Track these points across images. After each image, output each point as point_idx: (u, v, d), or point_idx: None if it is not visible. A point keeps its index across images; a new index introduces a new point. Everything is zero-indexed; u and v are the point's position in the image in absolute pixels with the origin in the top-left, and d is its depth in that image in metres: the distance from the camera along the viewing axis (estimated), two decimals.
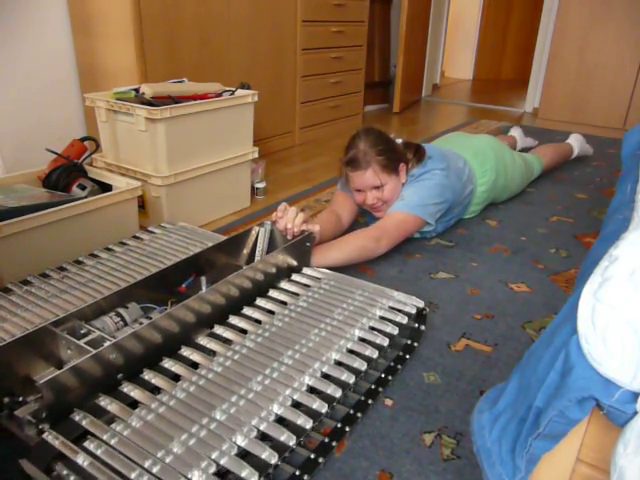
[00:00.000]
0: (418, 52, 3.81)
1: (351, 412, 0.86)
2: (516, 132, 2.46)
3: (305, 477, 0.74)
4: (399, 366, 0.99)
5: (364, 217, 1.66)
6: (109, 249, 1.30)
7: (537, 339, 0.65)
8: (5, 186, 1.41)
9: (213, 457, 0.70)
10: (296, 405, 0.81)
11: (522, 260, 1.48)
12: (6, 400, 0.78)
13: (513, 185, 1.86)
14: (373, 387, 0.92)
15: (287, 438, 0.74)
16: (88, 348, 0.82)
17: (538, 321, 1.20)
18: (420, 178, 1.47)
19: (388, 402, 0.94)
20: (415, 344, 1.05)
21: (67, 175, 1.45)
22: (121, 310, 0.96)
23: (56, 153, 1.51)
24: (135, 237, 1.38)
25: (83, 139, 1.58)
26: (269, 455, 0.70)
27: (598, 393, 0.48)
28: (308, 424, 0.77)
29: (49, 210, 1.22)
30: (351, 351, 0.94)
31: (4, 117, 1.79)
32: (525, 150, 2.33)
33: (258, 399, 0.81)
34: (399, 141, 1.53)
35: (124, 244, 1.33)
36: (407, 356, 1.02)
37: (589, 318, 0.50)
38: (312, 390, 0.85)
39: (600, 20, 3.07)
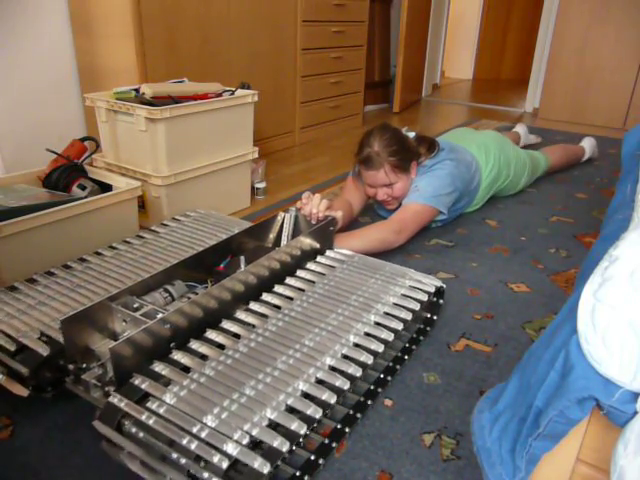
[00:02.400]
0: (418, 52, 3.81)
1: (381, 379, 0.95)
2: (520, 129, 2.47)
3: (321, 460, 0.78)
4: (421, 337, 1.10)
5: (369, 215, 1.66)
6: (140, 236, 1.35)
7: (537, 339, 0.65)
8: (5, 186, 1.41)
9: (266, 413, 0.76)
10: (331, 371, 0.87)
11: (522, 260, 1.48)
12: (71, 367, 0.86)
13: (518, 178, 1.89)
14: (399, 355, 1.02)
15: (328, 396, 0.81)
16: (144, 319, 0.89)
17: (538, 321, 1.20)
18: (432, 168, 1.53)
19: (388, 402, 0.94)
20: (434, 317, 1.15)
21: (67, 175, 1.45)
22: (168, 287, 1.04)
23: (56, 153, 1.51)
24: (163, 224, 1.43)
25: (83, 139, 1.58)
26: (298, 426, 0.75)
27: (598, 393, 0.48)
28: (346, 385, 0.84)
29: (49, 210, 1.22)
30: (377, 323, 1.00)
31: (4, 117, 1.79)
32: (530, 147, 2.34)
33: (284, 376, 0.85)
34: (412, 135, 1.58)
35: (153, 231, 1.38)
36: (427, 328, 1.13)
37: (589, 318, 0.50)
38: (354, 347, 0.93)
39: (600, 20, 3.07)
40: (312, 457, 0.77)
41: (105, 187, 1.49)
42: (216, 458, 0.68)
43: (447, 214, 1.56)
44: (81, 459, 0.81)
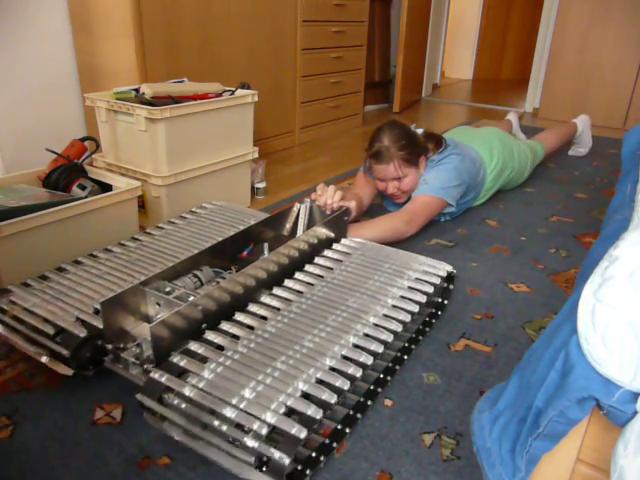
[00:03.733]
0: (418, 52, 3.81)
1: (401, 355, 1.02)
2: (512, 117, 2.50)
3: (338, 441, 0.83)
4: (434, 320, 1.15)
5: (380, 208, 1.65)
6: (160, 227, 1.38)
7: (537, 339, 0.65)
8: (5, 186, 1.41)
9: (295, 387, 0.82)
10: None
11: (522, 260, 1.48)
12: (109, 347, 0.92)
13: (523, 169, 1.96)
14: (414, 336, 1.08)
15: (354, 370, 0.86)
16: (178, 302, 0.94)
17: (538, 321, 1.20)
18: (439, 163, 1.59)
19: (388, 402, 0.94)
20: (445, 302, 1.21)
21: (67, 175, 1.45)
22: (197, 272, 1.10)
23: (56, 153, 1.51)
24: (181, 217, 1.46)
25: (83, 139, 1.58)
26: (329, 396, 0.80)
27: (598, 393, 0.48)
28: (369, 360, 0.89)
29: (49, 210, 1.22)
30: (394, 306, 1.06)
31: (4, 117, 1.79)
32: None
33: (312, 353, 0.90)
34: (420, 131, 1.66)
35: (172, 222, 1.42)
36: (439, 312, 1.18)
37: (589, 318, 0.50)
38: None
39: (600, 20, 3.07)
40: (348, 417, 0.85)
41: (105, 187, 1.49)
42: (256, 425, 0.73)
43: (455, 206, 1.61)
44: (81, 459, 0.81)
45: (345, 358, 0.89)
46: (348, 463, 0.81)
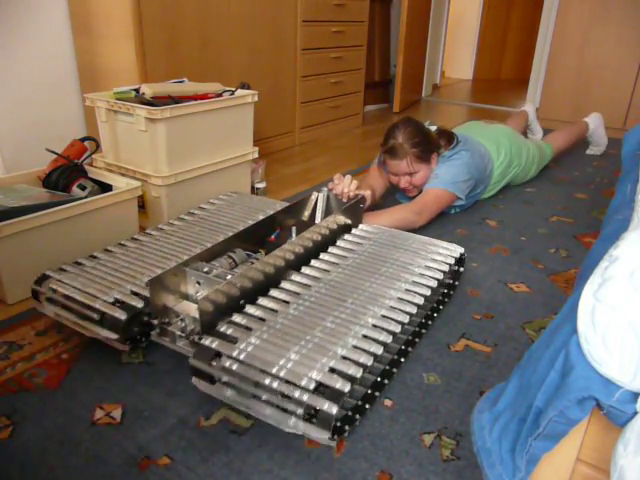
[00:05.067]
0: (418, 52, 3.81)
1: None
2: (528, 107, 2.53)
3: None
4: (446, 299, 1.23)
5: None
6: (181, 218, 1.42)
7: (537, 339, 0.65)
8: (5, 186, 1.41)
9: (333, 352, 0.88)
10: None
11: (522, 260, 1.48)
12: (155, 322, 1.00)
13: (529, 167, 2.02)
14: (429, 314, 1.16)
15: (385, 337, 0.93)
16: (218, 280, 1.02)
17: (538, 321, 1.20)
18: (450, 158, 1.67)
19: (387, 403, 0.94)
20: (456, 283, 1.29)
21: (67, 175, 1.45)
22: (231, 253, 1.18)
23: (56, 153, 1.51)
24: (200, 207, 1.51)
25: (83, 139, 1.58)
26: (367, 358, 0.86)
27: (598, 393, 0.48)
28: (397, 329, 0.97)
29: (49, 210, 1.22)
30: (414, 281, 1.14)
31: (4, 117, 1.79)
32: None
33: (345, 322, 0.97)
34: (433, 128, 1.73)
35: (192, 214, 1.46)
36: (451, 292, 1.26)
37: (589, 318, 0.50)
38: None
39: (600, 20, 3.07)
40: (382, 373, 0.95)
41: (105, 187, 1.49)
42: (304, 381, 0.80)
43: (465, 200, 1.69)
44: (81, 459, 0.81)
45: (374, 327, 0.96)
46: (348, 463, 0.81)
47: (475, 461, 0.80)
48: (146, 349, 1.06)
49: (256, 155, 1.80)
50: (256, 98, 1.73)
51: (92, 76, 1.89)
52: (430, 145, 1.64)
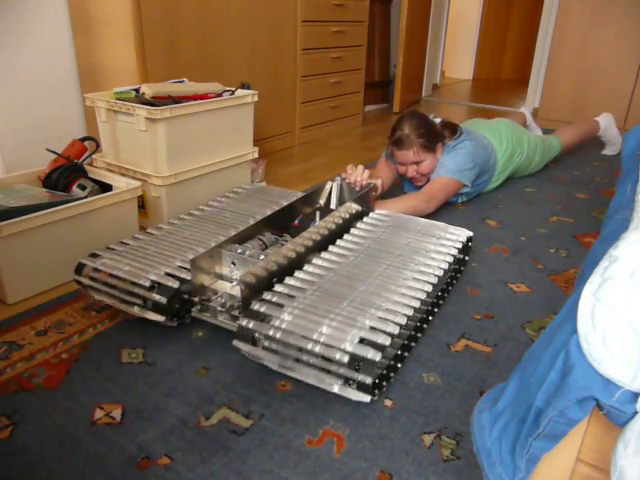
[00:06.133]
0: (418, 52, 3.81)
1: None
2: (525, 110, 2.60)
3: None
4: (458, 275, 1.35)
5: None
6: (202, 209, 1.48)
7: (537, 339, 0.65)
8: (5, 186, 1.41)
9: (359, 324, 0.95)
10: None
11: (522, 260, 1.48)
12: (196, 299, 1.09)
13: (532, 156, 2.08)
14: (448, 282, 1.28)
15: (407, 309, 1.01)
16: (253, 259, 1.11)
17: (538, 321, 1.20)
18: (454, 148, 1.76)
19: (388, 403, 0.94)
20: (466, 257, 1.41)
21: (67, 175, 1.45)
22: (261, 237, 1.26)
23: (56, 153, 1.51)
24: (234, 192, 1.61)
25: (83, 139, 1.58)
26: (393, 328, 0.94)
27: (598, 393, 0.48)
28: (425, 293, 1.07)
29: (49, 210, 1.22)
30: (432, 257, 1.23)
31: (4, 117, 1.79)
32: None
33: (371, 295, 1.06)
34: (438, 120, 1.82)
35: (228, 196, 1.57)
36: (462, 268, 1.38)
37: (589, 318, 0.50)
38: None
39: (600, 20, 3.07)
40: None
41: (105, 187, 1.49)
42: (338, 355, 0.87)
43: (470, 187, 1.78)
44: (81, 459, 0.81)
45: (402, 295, 1.05)
46: (348, 463, 0.81)
47: (475, 461, 0.80)
48: (146, 349, 1.06)
49: (256, 155, 1.80)
50: (256, 98, 1.73)
51: (92, 76, 1.89)
52: (435, 135, 1.72)
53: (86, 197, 1.37)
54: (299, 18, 2.43)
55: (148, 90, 1.53)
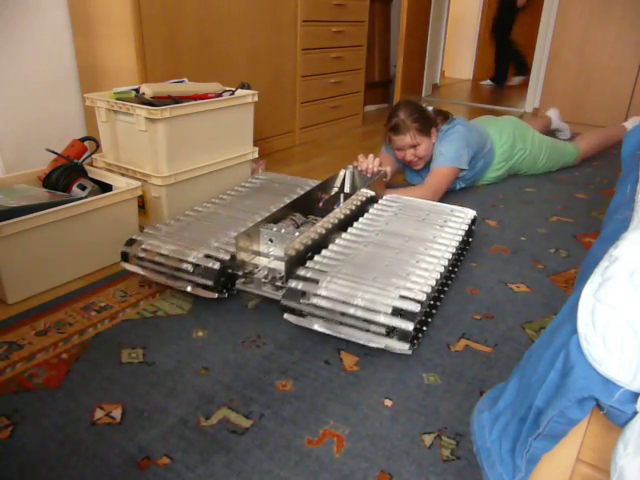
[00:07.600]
0: (418, 52, 3.81)
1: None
2: (552, 114, 2.69)
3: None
4: (465, 252, 1.47)
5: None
6: (222, 199, 1.55)
7: (537, 339, 0.65)
8: (5, 186, 1.41)
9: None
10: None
11: (522, 260, 1.48)
12: (240, 273, 1.20)
13: (535, 154, 2.11)
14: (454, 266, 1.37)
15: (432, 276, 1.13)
16: (289, 236, 1.22)
17: (538, 321, 1.20)
18: (448, 133, 1.86)
19: (388, 403, 0.94)
20: (470, 239, 1.51)
21: (67, 175, 1.45)
22: (292, 217, 1.38)
23: (56, 153, 1.51)
24: (249, 181, 1.70)
25: (83, 139, 1.58)
26: (430, 283, 1.09)
27: (598, 393, 0.48)
28: (443, 266, 1.19)
29: (49, 210, 1.22)
30: (444, 236, 1.32)
31: (4, 117, 1.79)
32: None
33: (398, 262, 1.18)
34: (430, 109, 1.94)
35: (244, 186, 1.66)
36: (467, 247, 1.49)
37: (589, 318, 0.50)
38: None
39: (600, 20, 3.07)
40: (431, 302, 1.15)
41: (105, 187, 1.49)
42: (382, 308, 1.00)
43: (468, 168, 1.87)
44: (81, 459, 0.81)
45: (428, 262, 1.17)
46: (348, 463, 0.81)
47: (475, 461, 0.80)
48: (146, 349, 1.06)
49: (256, 155, 1.80)
50: (256, 98, 1.73)
51: (92, 76, 1.89)
52: (429, 120, 1.84)
53: (86, 197, 1.37)
54: (299, 18, 2.43)
55: (148, 90, 1.53)
